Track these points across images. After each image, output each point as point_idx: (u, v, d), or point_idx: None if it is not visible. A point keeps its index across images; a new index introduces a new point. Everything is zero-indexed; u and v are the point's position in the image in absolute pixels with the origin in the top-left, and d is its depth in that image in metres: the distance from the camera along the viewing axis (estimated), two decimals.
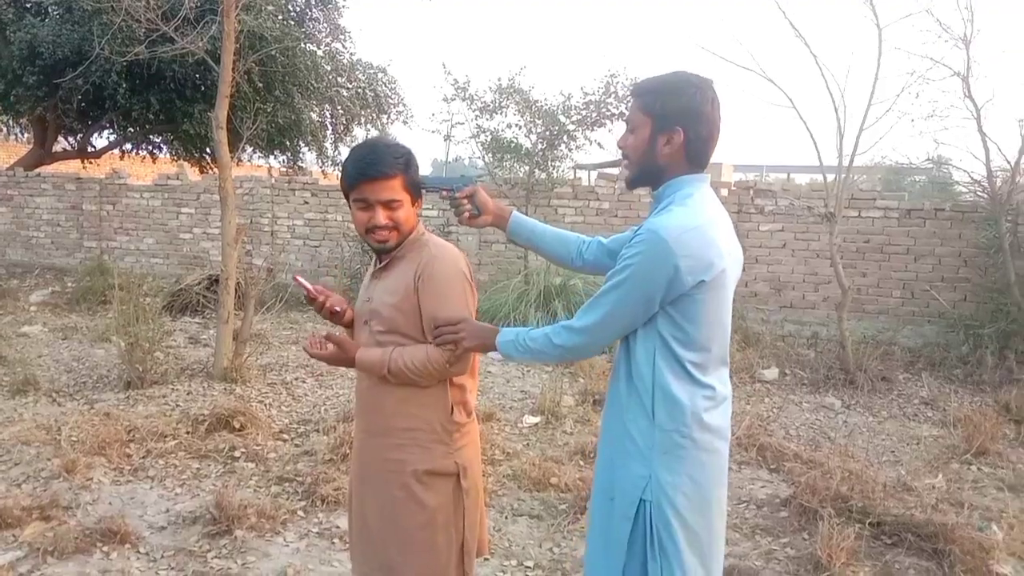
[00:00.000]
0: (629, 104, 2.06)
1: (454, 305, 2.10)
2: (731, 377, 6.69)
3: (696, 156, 1.94)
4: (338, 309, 2.28)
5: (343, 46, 14.29)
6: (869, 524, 3.76)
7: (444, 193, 2.30)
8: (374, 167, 2.08)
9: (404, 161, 2.12)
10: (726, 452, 1.99)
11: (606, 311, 1.90)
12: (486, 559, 3.49)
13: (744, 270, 8.75)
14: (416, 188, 2.17)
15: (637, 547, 1.92)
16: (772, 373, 6.88)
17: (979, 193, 7.95)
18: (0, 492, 3.96)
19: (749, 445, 4.93)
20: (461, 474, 2.16)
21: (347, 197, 2.17)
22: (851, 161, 6.85)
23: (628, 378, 1.95)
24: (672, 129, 1.91)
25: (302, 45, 12.49)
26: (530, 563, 3.52)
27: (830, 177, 7.31)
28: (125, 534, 3.49)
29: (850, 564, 3.44)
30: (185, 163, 14.21)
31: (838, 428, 5.61)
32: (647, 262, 1.83)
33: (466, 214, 2.31)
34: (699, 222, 1.86)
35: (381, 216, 2.10)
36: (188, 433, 4.83)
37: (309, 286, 2.26)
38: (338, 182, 2.79)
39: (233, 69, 6.36)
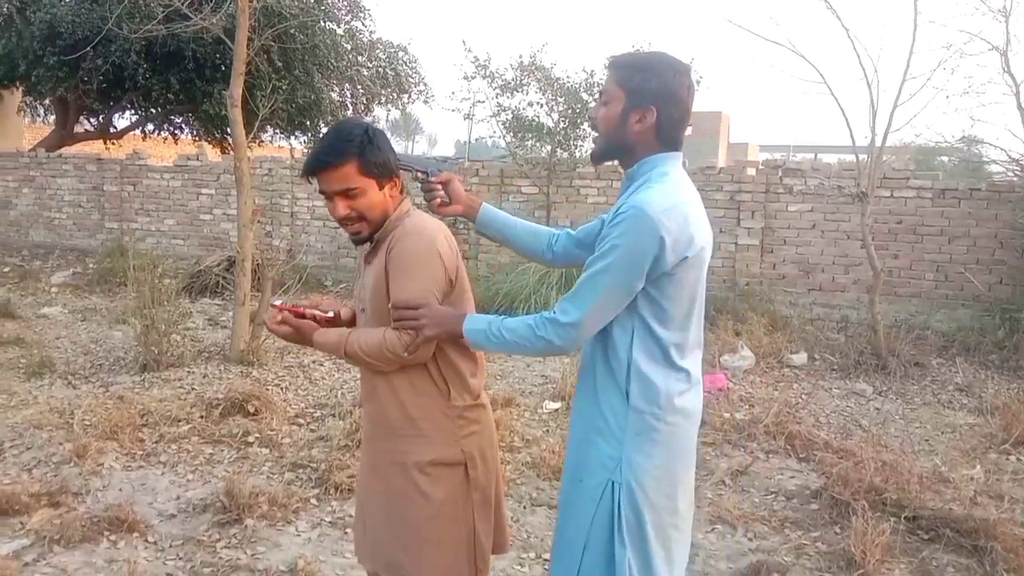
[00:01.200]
0: (605, 76, 2.00)
1: (416, 286, 1.94)
2: (759, 362, 6.50)
3: (667, 137, 1.92)
4: (331, 314, 2.15)
5: (363, 24, 14.14)
6: (904, 518, 3.60)
7: (419, 175, 2.20)
8: (318, 158, 1.97)
9: (357, 144, 1.96)
10: (695, 435, 1.98)
11: (597, 300, 1.81)
12: None
13: (771, 251, 8.56)
14: (383, 169, 2.01)
15: (600, 529, 1.87)
16: (801, 358, 6.69)
17: (1016, 172, 7.66)
18: (10, 477, 3.90)
19: (777, 433, 4.77)
20: (469, 463, 2.03)
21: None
22: (884, 139, 6.61)
23: (604, 359, 1.90)
24: (646, 107, 1.88)
25: (321, 23, 12.36)
26: (548, 555, 3.39)
27: (861, 156, 7.07)
28: (133, 523, 3.40)
29: (885, 561, 3.28)
30: (205, 144, 14.16)
31: (870, 415, 5.42)
32: (634, 239, 1.77)
33: (437, 200, 2.22)
34: (678, 200, 1.84)
35: (340, 207, 1.99)
36: (202, 417, 4.75)
37: (289, 306, 2.13)
38: None
39: (249, 47, 6.24)
